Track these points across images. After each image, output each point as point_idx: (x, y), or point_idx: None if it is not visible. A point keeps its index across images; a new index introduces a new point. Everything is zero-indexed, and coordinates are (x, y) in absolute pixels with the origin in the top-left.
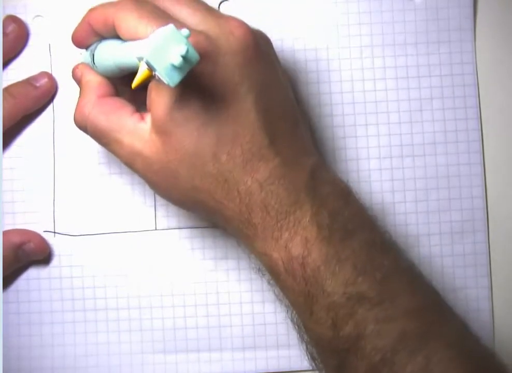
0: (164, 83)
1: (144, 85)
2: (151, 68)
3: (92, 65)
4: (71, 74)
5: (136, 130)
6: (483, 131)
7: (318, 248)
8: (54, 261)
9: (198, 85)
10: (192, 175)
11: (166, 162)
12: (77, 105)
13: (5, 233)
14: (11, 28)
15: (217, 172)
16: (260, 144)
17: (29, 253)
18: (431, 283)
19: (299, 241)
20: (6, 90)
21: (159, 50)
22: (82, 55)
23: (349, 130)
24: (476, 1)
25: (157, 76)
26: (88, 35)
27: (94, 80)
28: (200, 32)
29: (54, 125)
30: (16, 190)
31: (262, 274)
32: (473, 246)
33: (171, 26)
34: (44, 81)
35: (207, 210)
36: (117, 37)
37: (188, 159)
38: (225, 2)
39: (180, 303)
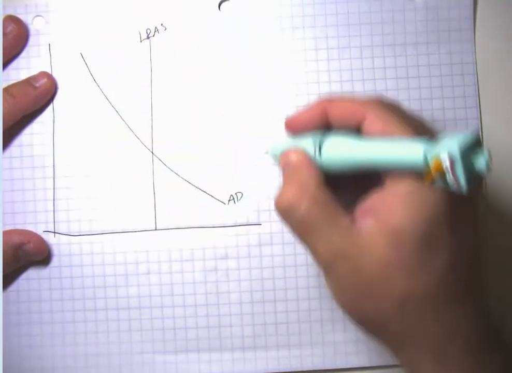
0: (417, 191)
1: (347, 188)
2: (446, 168)
3: (315, 156)
4: (281, 157)
5: (350, 231)
6: (483, 131)
7: None
8: (54, 261)
9: (448, 208)
10: (407, 292)
11: (382, 272)
12: (287, 190)
13: (5, 233)
14: (10, 28)
15: (438, 293)
16: (478, 277)
17: (29, 254)
18: None
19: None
20: (6, 90)
21: (466, 152)
22: (289, 142)
23: None
24: (476, 2)
25: (448, 178)
26: (317, 122)
27: (312, 170)
28: None
29: (54, 125)
30: (16, 190)
31: None
32: None
33: (477, 133)
34: (43, 81)
35: (401, 332)
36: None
37: (412, 276)
38: (225, 2)
39: (180, 303)
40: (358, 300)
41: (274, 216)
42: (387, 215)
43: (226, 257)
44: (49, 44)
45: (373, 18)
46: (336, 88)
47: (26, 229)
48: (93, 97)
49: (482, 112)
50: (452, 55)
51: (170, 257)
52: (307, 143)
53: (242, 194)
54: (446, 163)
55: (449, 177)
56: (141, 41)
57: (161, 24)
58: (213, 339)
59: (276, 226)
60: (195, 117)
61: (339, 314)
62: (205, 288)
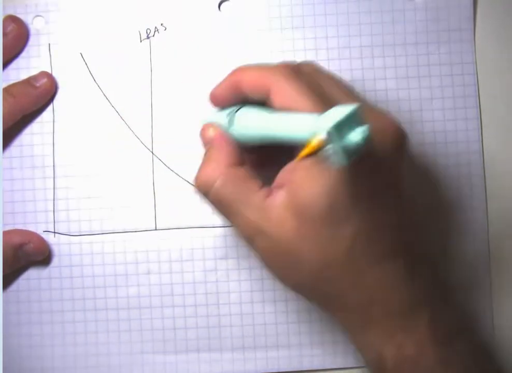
0: (320, 165)
1: (269, 159)
2: (324, 143)
3: (227, 128)
4: (199, 132)
5: (264, 206)
6: (483, 131)
7: (431, 349)
8: (54, 261)
9: (350, 177)
10: (321, 263)
11: (296, 246)
12: (203, 168)
13: (5, 233)
14: (10, 28)
15: (349, 263)
16: (394, 244)
17: (29, 254)
18: None
19: (413, 342)
20: (6, 90)
21: (341, 126)
22: (211, 115)
23: None
24: (476, 1)
25: (328, 152)
26: (232, 95)
27: (226, 147)
28: None
29: (54, 125)
30: (16, 190)
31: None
32: (473, 245)
33: (357, 106)
34: (44, 81)
35: (326, 297)
36: (260, 103)
37: (323, 247)
38: (225, 2)
39: (180, 303)
40: (283, 270)
41: None
42: (295, 188)
43: (226, 257)
44: (49, 44)
45: (373, 18)
46: None
47: (26, 229)
48: (93, 97)
49: (482, 112)
50: (452, 55)
51: (170, 257)
52: (223, 117)
53: None
54: (323, 138)
55: (328, 151)
56: (141, 41)
57: (161, 24)
58: (213, 339)
59: None
60: (195, 117)
61: None
62: (205, 288)
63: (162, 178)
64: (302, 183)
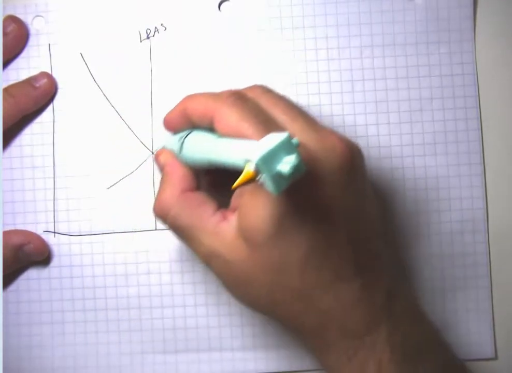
0: (264, 189)
1: (225, 180)
2: (256, 172)
3: (178, 153)
4: (154, 158)
5: (218, 231)
6: (483, 131)
7: (391, 369)
8: (54, 261)
9: (295, 200)
10: (273, 287)
11: (247, 269)
12: (159, 195)
13: (5, 233)
14: (11, 28)
15: (300, 287)
16: (346, 266)
17: (29, 254)
18: None
19: (373, 362)
20: (6, 90)
21: (270, 156)
22: (167, 139)
23: (349, 130)
24: (476, 1)
25: (261, 180)
26: (182, 121)
27: (178, 172)
28: (301, 146)
29: (54, 125)
30: (16, 190)
31: None
32: (473, 246)
33: (286, 134)
34: (43, 81)
35: (280, 318)
36: (210, 128)
37: (274, 271)
38: (225, 2)
39: (180, 303)
40: (237, 291)
41: None
42: (242, 213)
43: None
44: (49, 44)
45: (373, 18)
46: (336, 88)
47: (26, 229)
48: (93, 97)
49: (482, 112)
50: (452, 55)
51: (170, 257)
52: (175, 141)
53: None
54: (252, 169)
55: (259, 180)
56: (141, 41)
57: (161, 24)
58: (213, 339)
59: None
60: None
61: None
62: (205, 288)
63: None
64: (248, 208)
